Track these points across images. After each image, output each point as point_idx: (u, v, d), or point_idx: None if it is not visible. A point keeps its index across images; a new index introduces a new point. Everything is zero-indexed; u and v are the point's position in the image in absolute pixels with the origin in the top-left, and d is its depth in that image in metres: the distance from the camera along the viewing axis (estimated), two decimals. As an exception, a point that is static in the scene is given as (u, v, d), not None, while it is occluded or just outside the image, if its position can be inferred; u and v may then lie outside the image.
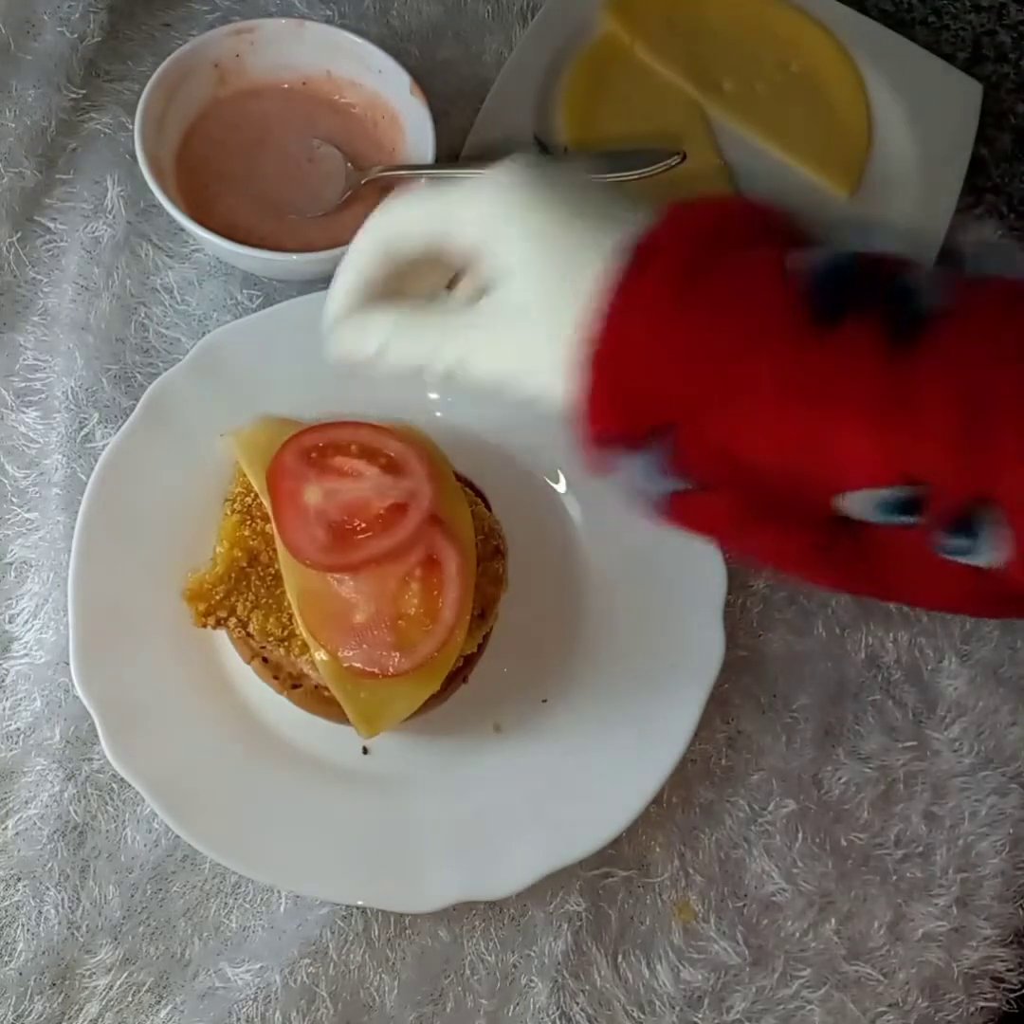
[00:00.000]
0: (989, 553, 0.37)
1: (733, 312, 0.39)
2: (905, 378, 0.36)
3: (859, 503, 0.38)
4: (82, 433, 0.59)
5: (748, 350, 0.38)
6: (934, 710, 0.61)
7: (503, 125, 0.67)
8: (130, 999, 0.51)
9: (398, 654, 0.49)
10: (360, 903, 0.51)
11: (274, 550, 0.51)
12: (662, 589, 0.57)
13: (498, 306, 0.43)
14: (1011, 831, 0.58)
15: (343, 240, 0.58)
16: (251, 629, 0.51)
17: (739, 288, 0.39)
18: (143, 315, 0.62)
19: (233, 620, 0.51)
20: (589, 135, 0.70)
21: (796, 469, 0.39)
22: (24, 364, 0.61)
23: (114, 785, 0.54)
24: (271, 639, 0.51)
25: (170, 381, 0.57)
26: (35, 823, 0.53)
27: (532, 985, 0.53)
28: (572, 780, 0.53)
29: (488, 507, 0.57)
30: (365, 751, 0.54)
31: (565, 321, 0.41)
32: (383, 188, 0.62)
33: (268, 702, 0.53)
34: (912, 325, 0.37)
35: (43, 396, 0.60)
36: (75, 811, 0.53)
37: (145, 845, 0.53)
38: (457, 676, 0.53)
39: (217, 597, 0.51)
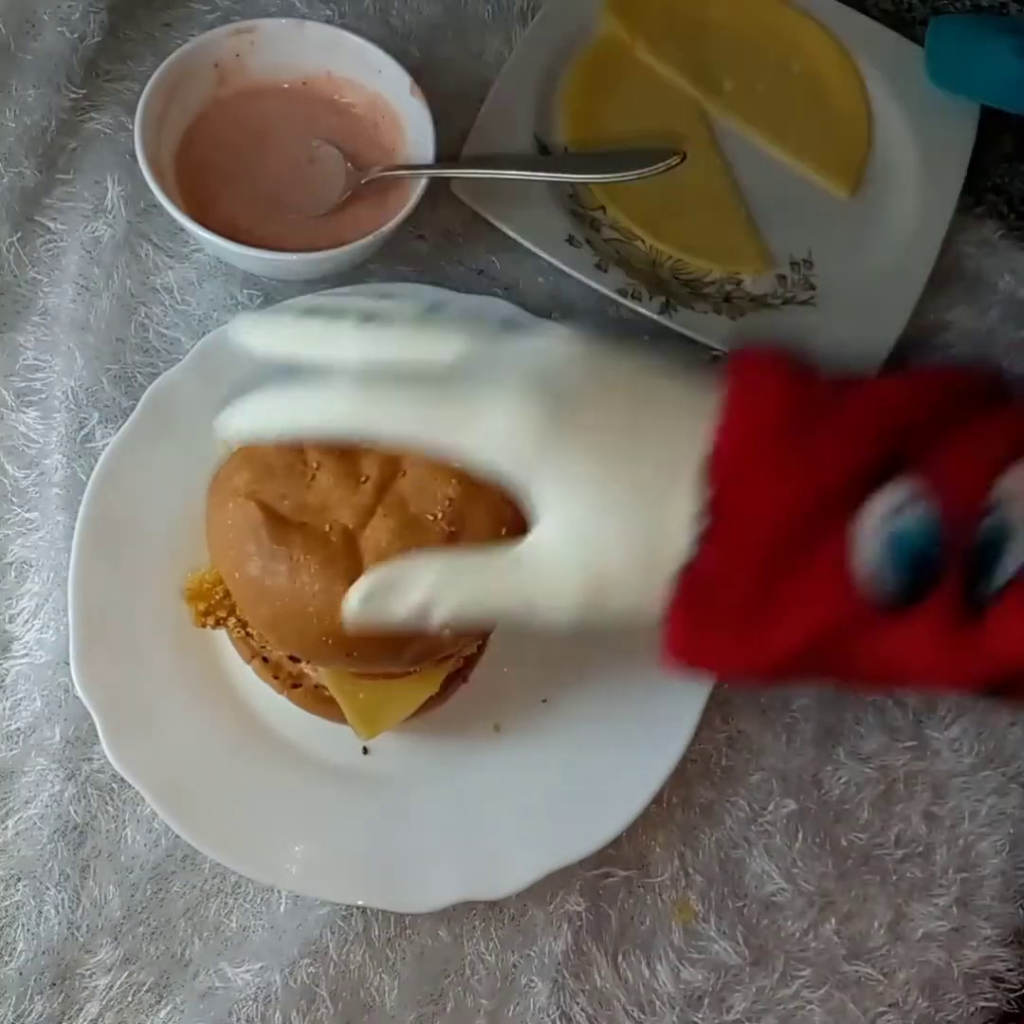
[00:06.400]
0: None
1: (803, 614, 0.39)
2: (970, 653, 0.38)
3: None
4: (82, 433, 0.59)
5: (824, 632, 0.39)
6: (934, 710, 0.60)
7: (503, 125, 0.67)
8: (130, 999, 0.51)
9: (398, 654, 0.49)
10: (360, 903, 0.51)
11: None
12: (662, 589, 0.57)
13: (555, 548, 0.39)
14: (1011, 831, 0.58)
15: (343, 240, 0.59)
16: (250, 628, 0.51)
17: (806, 593, 0.39)
18: (143, 315, 0.62)
19: (233, 620, 0.51)
20: (589, 135, 0.70)
21: None
22: (24, 364, 0.61)
23: (114, 785, 0.54)
24: (271, 639, 0.51)
25: (170, 381, 0.57)
26: (35, 823, 0.53)
27: (532, 985, 0.53)
28: (572, 780, 0.53)
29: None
30: (365, 751, 0.54)
31: (653, 569, 0.39)
32: (383, 188, 0.62)
33: (268, 702, 0.53)
34: (982, 601, 0.38)
35: (43, 396, 0.60)
36: (75, 811, 0.53)
37: (145, 845, 0.53)
38: (457, 676, 0.53)
39: (217, 597, 0.51)
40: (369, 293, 0.47)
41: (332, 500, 0.47)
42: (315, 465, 0.48)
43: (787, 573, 0.39)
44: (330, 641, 0.46)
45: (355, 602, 0.42)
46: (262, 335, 0.45)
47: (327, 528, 0.47)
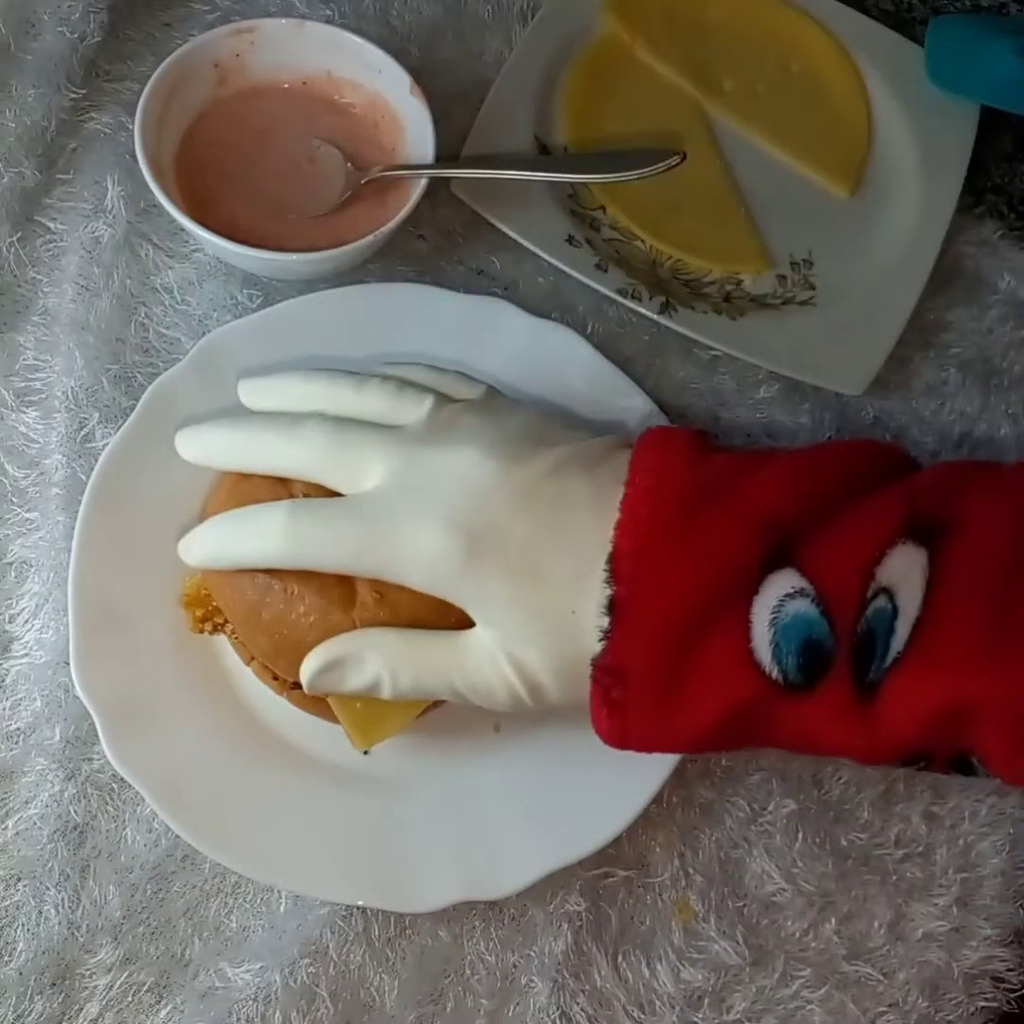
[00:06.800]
0: (984, 774, 0.43)
1: (712, 695, 0.42)
2: (871, 733, 0.41)
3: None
4: (82, 433, 0.59)
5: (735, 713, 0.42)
6: (934, 710, 0.60)
7: (503, 125, 0.67)
8: (130, 999, 0.51)
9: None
10: (360, 903, 0.51)
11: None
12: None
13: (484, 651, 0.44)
14: (1011, 831, 0.58)
15: (343, 240, 0.59)
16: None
17: (712, 675, 0.41)
18: (143, 315, 0.62)
19: (230, 626, 0.51)
20: (589, 135, 0.70)
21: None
22: (24, 364, 0.61)
23: (114, 785, 0.54)
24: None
25: (170, 381, 0.57)
26: (35, 823, 0.53)
27: (532, 985, 0.53)
28: (572, 780, 0.53)
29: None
30: (365, 751, 0.54)
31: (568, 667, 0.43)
32: (383, 188, 0.62)
33: (268, 702, 0.53)
34: (876, 684, 0.41)
35: (43, 396, 0.60)
36: (75, 811, 0.53)
37: (145, 845, 0.53)
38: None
39: (214, 603, 0.51)
40: (310, 364, 0.50)
41: None
42: (301, 496, 0.48)
43: (693, 657, 0.41)
44: None
45: (307, 676, 0.45)
46: (198, 448, 0.51)
47: None
